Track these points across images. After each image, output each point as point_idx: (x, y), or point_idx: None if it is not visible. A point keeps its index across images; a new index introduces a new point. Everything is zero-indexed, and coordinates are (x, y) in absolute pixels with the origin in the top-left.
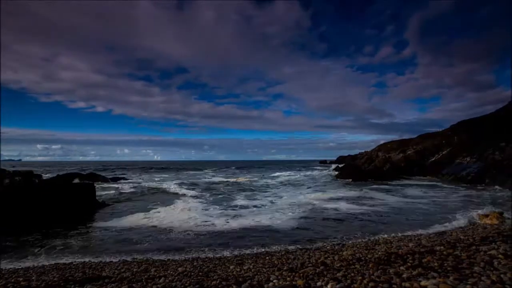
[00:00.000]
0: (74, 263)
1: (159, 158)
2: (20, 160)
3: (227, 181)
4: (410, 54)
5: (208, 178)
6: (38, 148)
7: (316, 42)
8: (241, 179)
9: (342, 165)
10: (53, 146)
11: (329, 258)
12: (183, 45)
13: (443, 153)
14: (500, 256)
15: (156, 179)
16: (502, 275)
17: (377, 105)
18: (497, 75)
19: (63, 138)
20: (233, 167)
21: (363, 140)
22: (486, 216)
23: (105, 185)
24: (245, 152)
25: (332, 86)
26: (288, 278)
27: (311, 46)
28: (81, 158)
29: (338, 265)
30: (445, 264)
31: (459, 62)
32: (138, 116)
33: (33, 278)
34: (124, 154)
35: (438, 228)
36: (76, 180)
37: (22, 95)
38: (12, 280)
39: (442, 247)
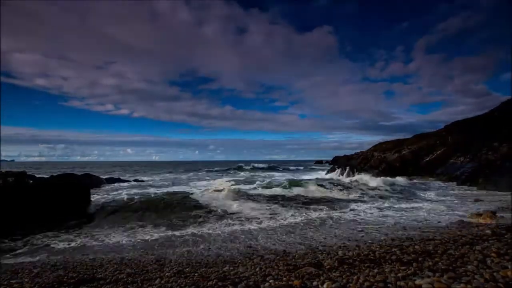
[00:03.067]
0: (68, 264)
1: (157, 158)
2: (13, 160)
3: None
4: (416, 67)
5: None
6: (38, 149)
7: (341, 59)
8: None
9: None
10: (52, 146)
11: (325, 258)
12: (230, 61)
13: (438, 153)
14: (493, 254)
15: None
16: (495, 274)
17: (385, 110)
18: (490, 85)
19: (68, 139)
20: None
21: (368, 141)
22: (480, 215)
23: (101, 185)
24: (248, 152)
25: (346, 94)
26: (284, 278)
27: (335, 62)
28: (78, 158)
29: (334, 264)
30: (440, 263)
31: (459, 74)
32: (158, 118)
33: (26, 280)
34: (126, 154)
35: (432, 227)
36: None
37: (48, 97)
38: (5, 283)
39: (436, 246)
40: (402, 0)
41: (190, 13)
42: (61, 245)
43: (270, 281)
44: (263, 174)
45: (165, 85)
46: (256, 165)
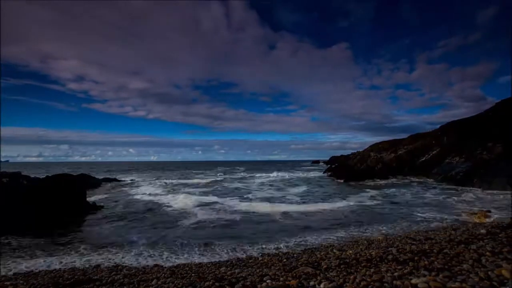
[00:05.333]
0: (63, 266)
1: (155, 159)
2: (7, 161)
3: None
4: (418, 76)
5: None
6: (38, 149)
7: (353, 69)
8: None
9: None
10: (55, 146)
11: (322, 258)
12: (257, 70)
13: (433, 153)
14: (487, 253)
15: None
16: (489, 272)
17: (389, 113)
18: (486, 90)
19: (73, 139)
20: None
21: (370, 141)
22: (475, 214)
23: (97, 186)
24: (252, 152)
25: (356, 99)
26: (281, 278)
27: (348, 72)
28: (76, 159)
29: (331, 264)
30: (435, 262)
31: (456, 82)
32: (172, 119)
33: (20, 281)
34: (127, 154)
35: (427, 226)
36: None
37: (73, 100)
38: None
39: (432, 246)
40: (406, 20)
41: (230, 32)
42: (57, 246)
43: (267, 281)
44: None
45: (189, 89)
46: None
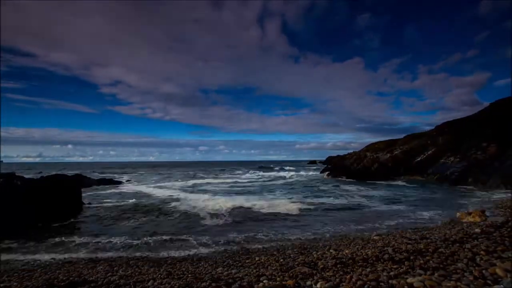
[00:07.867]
0: (58, 266)
1: (153, 159)
2: (1, 161)
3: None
4: (419, 84)
5: None
6: (36, 150)
7: (362, 79)
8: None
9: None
10: (58, 147)
11: (319, 258)
12: (279, 80)
13: (428, 153)
14: (482, 252)
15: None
16: (484, 271)
17: (392, 116)
18: (481, 95)
19: (75, 140)
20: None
21: (372, 142)
22: (469, 214)
23: (93, 186)
24: (255, 151)
25: (363, 105)
26: (278, 278)
27: (358, 81)
28: (75, 159)
29: (327, 264)
30: (431, 261)
31: (455, 88)
32: (186, 121)
33: (15, 283)
34: (128, 154)
35: (423, 226)
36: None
37: (98, 102)
38: None
39: (427, 245)
40: (410, 40)
41: (262, 51)
42: (52, 246)
43: (264, 281)
44: None
45: (213, 94)
46: None
